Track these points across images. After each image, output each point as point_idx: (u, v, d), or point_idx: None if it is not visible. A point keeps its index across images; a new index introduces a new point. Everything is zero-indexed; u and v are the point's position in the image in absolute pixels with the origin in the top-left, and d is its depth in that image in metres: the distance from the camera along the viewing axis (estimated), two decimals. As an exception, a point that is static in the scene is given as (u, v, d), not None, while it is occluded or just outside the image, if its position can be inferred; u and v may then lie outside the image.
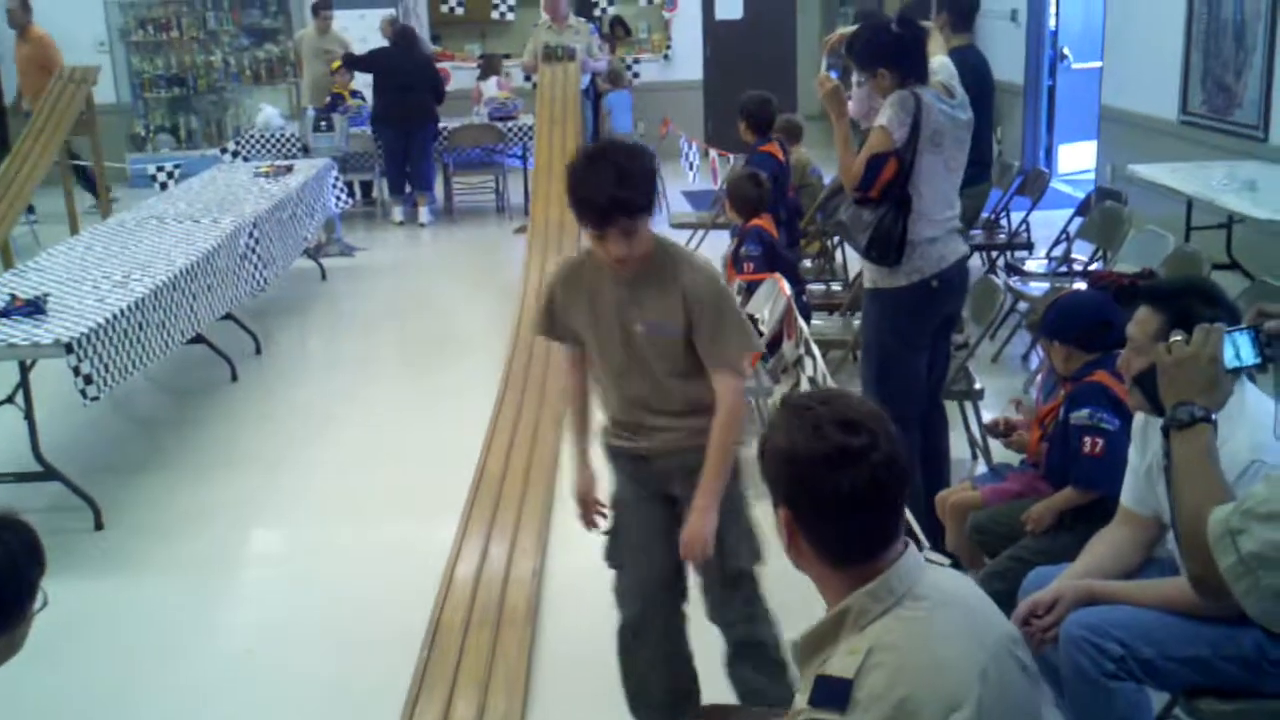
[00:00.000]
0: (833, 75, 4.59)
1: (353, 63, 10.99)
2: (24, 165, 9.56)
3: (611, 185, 2.87)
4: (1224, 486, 1.98)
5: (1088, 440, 3.58)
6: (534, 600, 4.52)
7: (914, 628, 1.76)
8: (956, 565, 3.68)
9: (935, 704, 1.67)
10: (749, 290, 5.99)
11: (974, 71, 6.35)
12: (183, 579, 4.84)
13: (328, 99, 11.06)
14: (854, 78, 4.83)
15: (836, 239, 7.37)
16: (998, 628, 1.90)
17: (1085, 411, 3.61)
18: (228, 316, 7.32)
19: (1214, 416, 2.09)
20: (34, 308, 5.42)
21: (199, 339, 6.88)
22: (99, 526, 5.15)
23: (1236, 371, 2.17)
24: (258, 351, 7.63)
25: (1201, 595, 2.18)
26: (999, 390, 6.05)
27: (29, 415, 5.28)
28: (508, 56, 12.97)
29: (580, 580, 4.67)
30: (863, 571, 1.81)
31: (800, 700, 1.71)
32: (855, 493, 1.78)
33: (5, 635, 2.10)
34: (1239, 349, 2.12)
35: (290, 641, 4.35)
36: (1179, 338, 2.17)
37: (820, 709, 1.67)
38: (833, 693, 1.67)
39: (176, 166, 10.97)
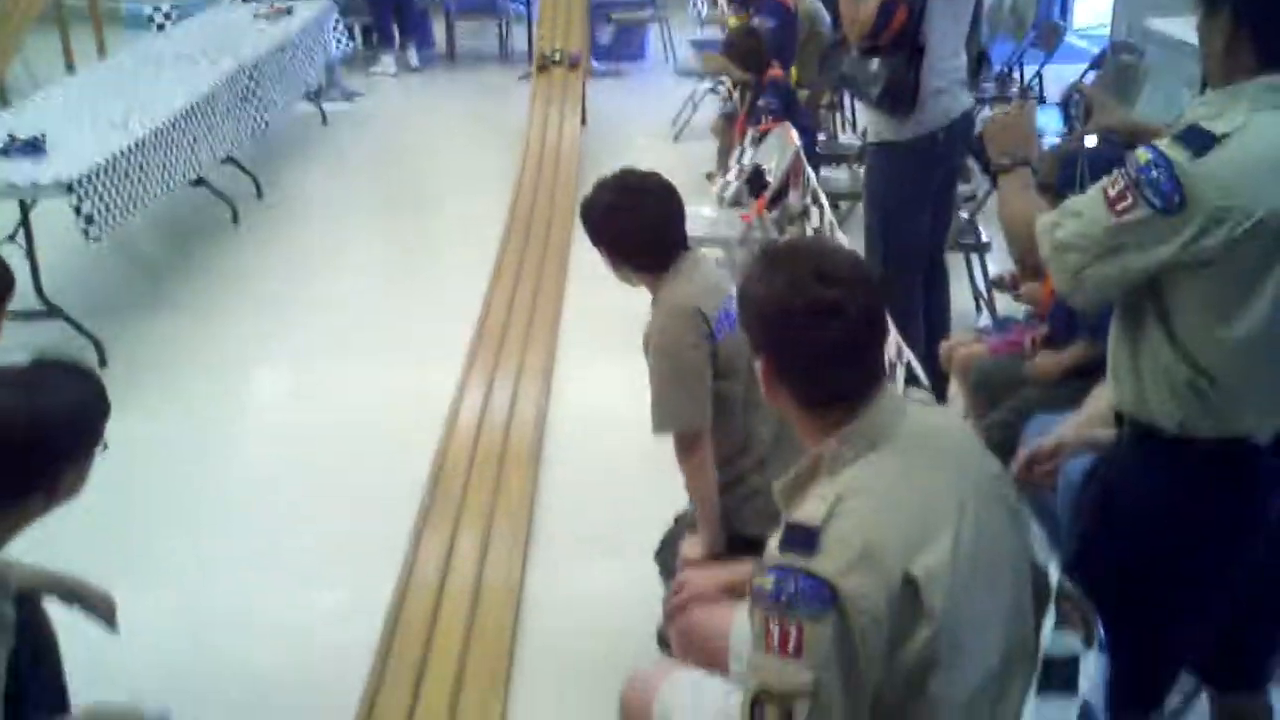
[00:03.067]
0: None
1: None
2: (19, 3, 9.36)
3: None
4: (1042, 207, 2.33)
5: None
6: (537, 442, 4.57)
7: (886, 472, 1.78)
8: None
9: (902, 548, 1.69)
10: (760, 140, 5.92)
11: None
12: (187, 418, 4.88)
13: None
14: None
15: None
16: (980, 463, 1.91)
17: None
18: (228, 160, 7.25)
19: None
20: (32, 147, 5.37)
21: (200, 181, 6.83)
22: (102, 364, 5.16)
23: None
24: (259, 195, 7.56)
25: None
26: (1005, 244, 5.99)
27: (30, 254, 5.26)
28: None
29: (583, 426, 4.72)
30: (840, 416, 1.82)
31: (773, 544, 1.73)
32: (832, 345, 1.80)
33: (73, 472, 2.15)
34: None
35: (294, 481, 4.40)
36: (1001, 108, 2.65)
37: (789, 554, 1.68)
38: (802, 538, 1.69)
39: (174, 7, 10.73)
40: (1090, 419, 3.03)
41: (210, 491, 4.33)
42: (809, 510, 1.72)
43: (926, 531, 1.72)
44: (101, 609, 2.56)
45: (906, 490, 1.77)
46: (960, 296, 5.16)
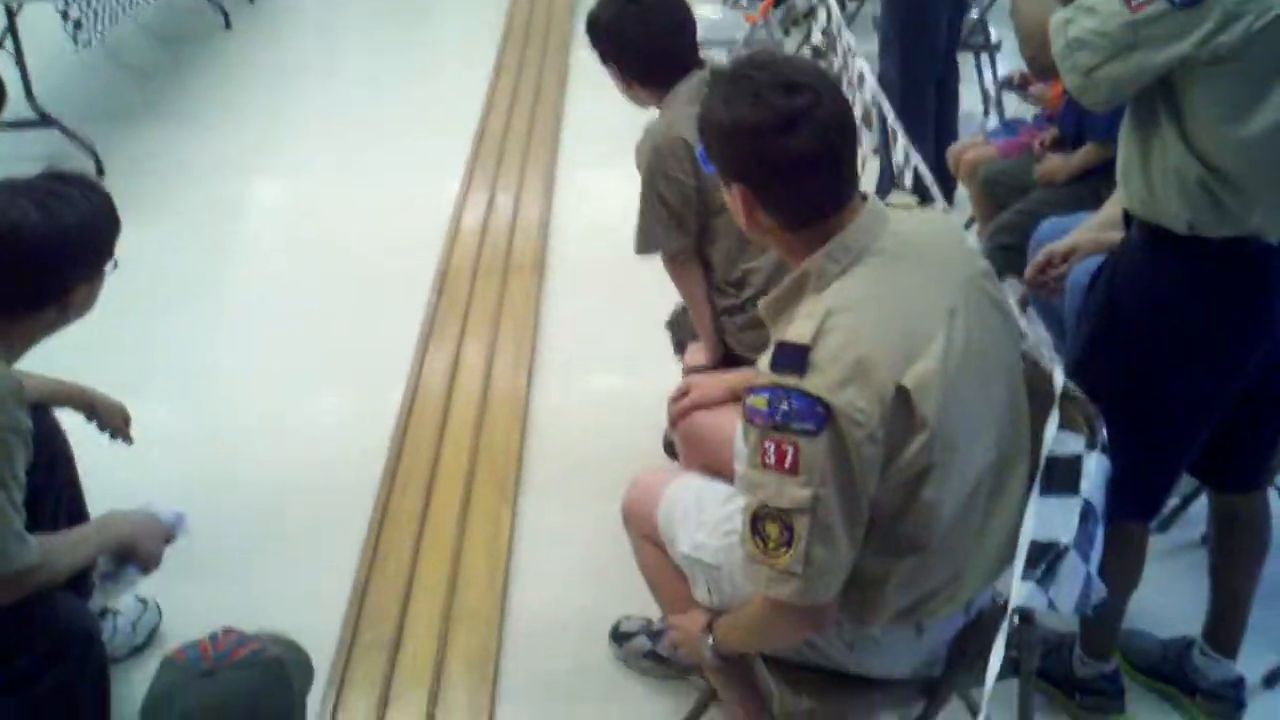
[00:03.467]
0: None
1: None
2: None
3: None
4: (1055, 6, 2.22)
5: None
6: (541, 250, 4.55)
7: (872, 284, 1.75)
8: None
9: (893, 359, 1.68)
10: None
11: None
12: (186, 227, 4.83)
13: None
14: None
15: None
16: (966, 264, 1.89)
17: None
18: (218, -38, 7.05)
19: None
20: (14, -52, 5.20)
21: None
22: (100, 172, 5.10)
23: None
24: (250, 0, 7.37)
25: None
26: (1016, 44, 5.86)
27: (20, 61, 5.15)
28: None
29: (585, 227, 4.70)
30: (822, 231, 1.78)
31: (764, 363, 1.71)
32: (806, 154, 1.72)
33: (85, 287, 2.15)
34: None
35: (298, 291, 4.39)
36: None
37: (781, 374, 1.67)
38: (792, 357, 1.67)
39: None
40: (1105, 222, 2.99)
41: (214, 302, 4.32)
42: (798, 328, 1.70)
43: (916, 341, 1.71)
44: (115, 420, 2.58)
45: (894, 300, 1.75)
46: (968, 98, 5.07)
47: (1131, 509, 2.30)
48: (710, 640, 2.04)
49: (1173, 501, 2.96)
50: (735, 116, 1.75)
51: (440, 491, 3.30)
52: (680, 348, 3.10)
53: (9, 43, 5.17)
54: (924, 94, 4.55)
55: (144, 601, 2.79)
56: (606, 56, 2.86)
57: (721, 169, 1.84)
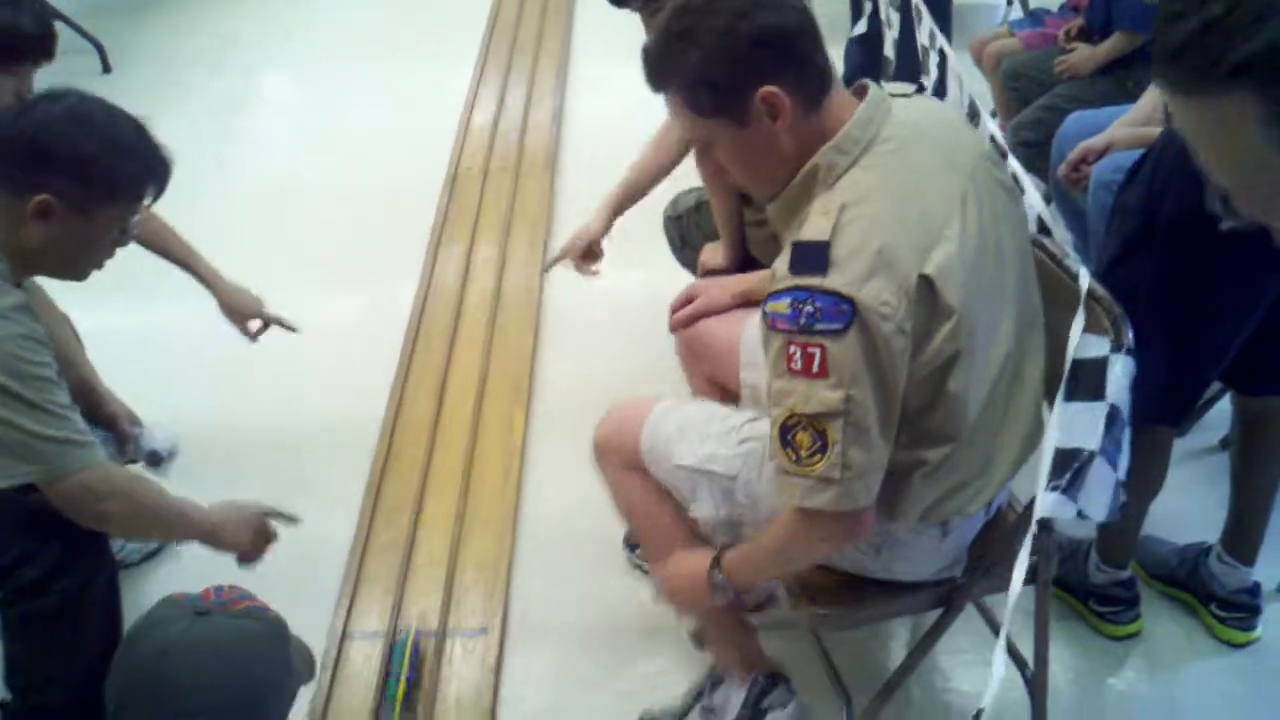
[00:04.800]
0: None
1: None
2: None
3: None
4: None
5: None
6: (553, 148, 4.47)
7: (884, 174, 1.69)
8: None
9: (913, 248, 1.62)
10: None
11: None
12: (197, 121, 4.77)
13: None
14: None
15: None
16: (971, 147, 1.84)
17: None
18: None
19: None
20: None
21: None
22: (106, 69, 5.04)
23: None
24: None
25: None
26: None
27: (21, -47, 5.05)
28: None
29: (598, 124, 4.61)
30: (826, 120, 1.71)
31: (781, 266, 1.65)
32: (792, 23, 1.68)
33: (65, 207, 1.94)
34: None
35: (308, 187, 4.34)
36: None
37: (801, 275, 1.61)
38: (811, 256, 1.61)
39: None
40: (1141, 117, 2.89)
41: (221, 199, 4.27)
42: (814, 225, 1.65)
43: (933, 228, 1.66)
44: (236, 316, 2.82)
45: (907, 188, 1.69)
46: (992, -12, 4.94)
47: (1162, 413, 2.26)
48: (719, 576, 1.94)
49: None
50: (733, 29, 1.67)
51: (453, 393, 3.28)
52: (680, 244, 3.02)
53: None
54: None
55: None
56: None
57: (734, 88, 1.70)
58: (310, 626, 2.49)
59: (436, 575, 2.69)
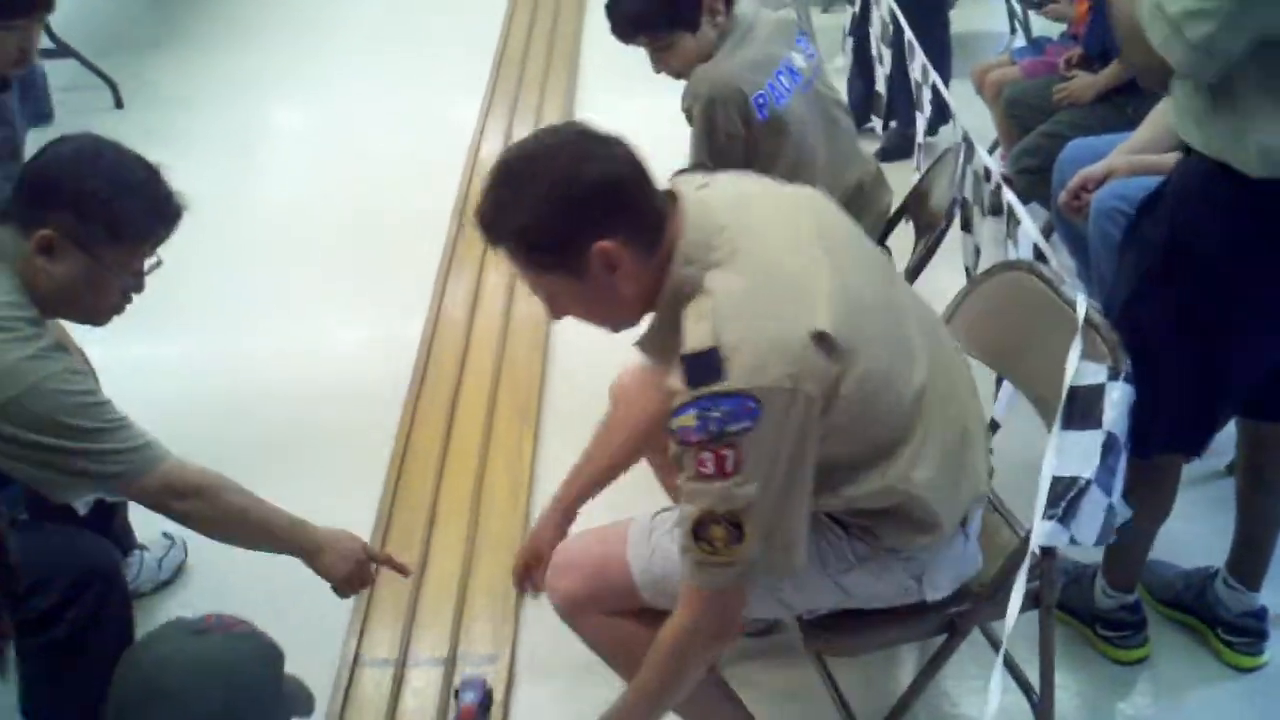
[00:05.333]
0: None
1: None
2: None
3: None
4: None
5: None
6: (560, 177, 4.51)
7: (738, 262, 1.67)
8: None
9: (795, 316, 1.61)
10: None
11: None
12: (210, 154, 4.81)
13: None
14: None
15: None
16: (794, 198, 1.84)
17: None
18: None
19: None
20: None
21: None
22: (119, 105, 5.09)
23: None
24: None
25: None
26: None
27: (36, -11, 5.10)
28: None
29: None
30: (668, 241, 1.70)
31: (676, 382, 1.61)
32: (627, 165, 1.69)
33: (72, 247, 1.95)
34: None
35: (320, 218, 4.38)
36: None
37: (699, 385, 1.58)
38: (704, 365, 1.59)
39: None
40: (1140, 145, 2.88)
41: (233, 232, 4.30)
42: (695, 334, 1.62)
43: (806, 288, 1.65)
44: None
45: (765, 264, 1.68)
46: (993, 18, 4.98)
47: (1182, 444, 2.25)
48: None
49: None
50: (542, 188, 1.66)
51: (462, 419, 3.30)
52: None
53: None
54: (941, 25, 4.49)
55: (170, 538, 2.80)
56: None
57: (576, 237, 1.68)
58: (322, 652, 2.53)
59: (447, 602, 2.71)
